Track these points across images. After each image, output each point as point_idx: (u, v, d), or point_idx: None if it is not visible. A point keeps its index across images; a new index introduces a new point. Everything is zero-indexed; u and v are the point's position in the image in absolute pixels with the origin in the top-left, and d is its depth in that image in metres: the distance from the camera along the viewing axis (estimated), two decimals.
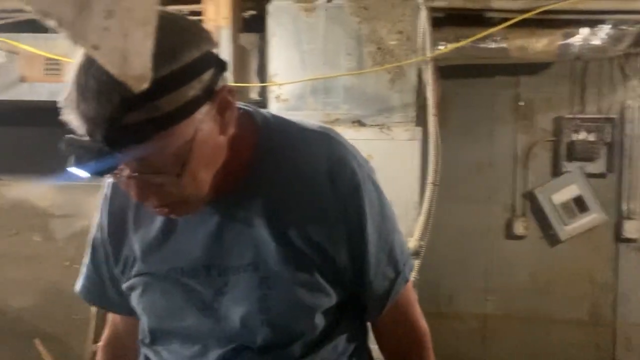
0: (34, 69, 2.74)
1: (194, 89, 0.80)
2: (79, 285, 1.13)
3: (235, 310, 0.95)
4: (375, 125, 2.58)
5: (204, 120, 0.83)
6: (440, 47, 2.73)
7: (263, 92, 2.73)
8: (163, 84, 0.75)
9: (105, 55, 0.39)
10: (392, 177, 2.54)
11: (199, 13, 2.68)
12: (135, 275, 1.02)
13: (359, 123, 2.61)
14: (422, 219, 2.51)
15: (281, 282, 0.94)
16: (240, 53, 2.71)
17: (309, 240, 0.94)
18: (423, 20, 2.49)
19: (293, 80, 2.61)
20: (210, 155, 0.88)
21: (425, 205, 2.51)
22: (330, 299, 0.98)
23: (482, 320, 3.44)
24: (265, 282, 0.94)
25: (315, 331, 0.98)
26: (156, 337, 1.03)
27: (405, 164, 2.54)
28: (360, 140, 2.56)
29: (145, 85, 0.49)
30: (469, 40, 2.65)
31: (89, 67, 0.76)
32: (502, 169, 3.41)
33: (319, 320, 0.98)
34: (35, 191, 3.32)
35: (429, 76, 2.52)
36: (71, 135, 0.79)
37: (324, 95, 2.63)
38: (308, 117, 2.62)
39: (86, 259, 1.11)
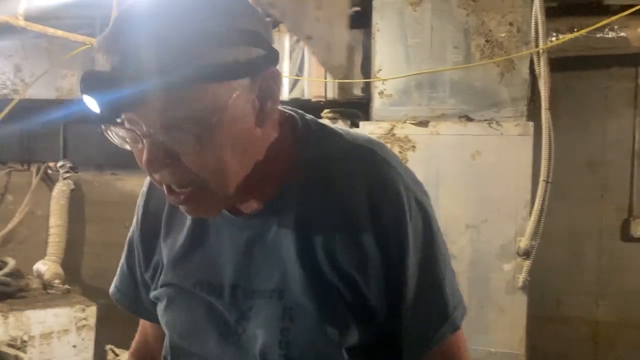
0: None
1: (239, 55, 0.74)
2: (112, 287, 1.07)
3: (256, 342, 0.86)
4: (484, 120, 2.50)
5: (240, 97, 0.75)
6: (552, 39, 2.61)
7: (367, 88, 2.72)
8: (211, 35, 0.72)
9: (316, 45, 0.38)
10: (501, 174, 2.46)
11: None
12: (162, 286, 0.96)
13: (466, 118, 2.54)
14: (533, 217, 2.41)
15: (305, 314, 0.84)
16: (345, 49, 2.71)
17: (340, 270, 0.83)
18: (537, 9, 2.37)
19: (397, 75, 2.58)
20: (241, 142, 0.78)
21: (537, 203, 2.41)
22: (359, 337, 0.86)
23: (593, 326, 3.25)
24: (288, 312, 0.84)
25: None
26: (176, 355, 0.97)
27: (516, 160, 2.44)
28: (467, 135, 2.51)
29: (341, 76, 0.48)
30: (586, 30, 2.50)
31: (128, 13, 0.74)
32: (617, 166, 3.19)
33: (345, 359, 0.86)
34: None
35: (541, 69, 2.41)
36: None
37: (430, 89, 2.58)
38: (413, 112, 2.59)
39: (122, 261, 1.06)
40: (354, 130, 0.93)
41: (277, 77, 0.81)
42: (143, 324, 1.13)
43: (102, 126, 0.78)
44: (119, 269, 1.07)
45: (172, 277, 0.94)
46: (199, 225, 0.93)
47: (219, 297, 0.90)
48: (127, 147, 0.79)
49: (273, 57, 0.80)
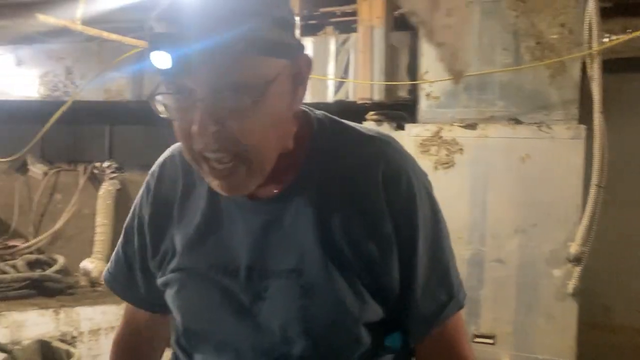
0: None
1: (286, 37, 0.81)
2: (106, 272, 1.09)
3: (275, 318, 0.90)
4: (534, 123, 2.46)
5: (283, 75, 0.81)
6: (604, 40, 2.54)
7: (413, 90, 2.70)
8: (266, 13, 0.77)
9: (446, 51, 0.38)
10: (551, 177, 2.42)
11: (353, 13, 2.72)
12: (173, 271, 0.97)
13: (516, 121, 2.50)
14: (585, 223, 2.35)
15: (325, 290, 0.88)
16: (390, 52, 2.70)
17: (358, 249, 0.88)
18: (591, 10, 2.32)
19: (445, 77, 2.56)
20: (279, 120, 0.84)
21: (589, 208, 2.35)
22: (376, 313, 0.91)
23: None
24: (308, 290, 0.88)
25: (357, 345, 0.91)
26: (190, 339, 0.98)
27: (567, 164, 2.39)
28: (516, 138, 2.48)
29: (459, 81, 0.49)
30: None
31: None
32: None
33: (364, 335, 0.91)
34: None
35: (594, 71, 2.35)
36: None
37: (478, 92, 2.54)
38: (460, 114, 2.56)
39: (118, 248, 1.08)
40: (360, 125, 0.98)
41: (310, 65, 0.87)
42: (132, 313, 1.13)
43: (152, 98, 0.82)
44: (113, 255, 1.08)
45: (186, 262, 0.95)
46: (213, 210, 0.95)
47: (234, 279, 0.92)
48: (174, 117, 0.82)
49: (302, 48, 0.86)
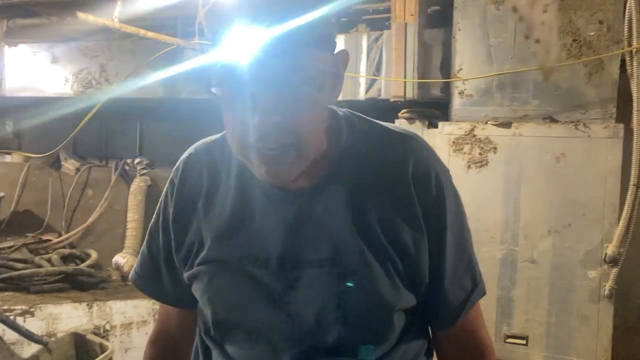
0: None
1: (334, 32, 0.87)
2: (132, 273, 1.11)
3: (309, 307, 0.91)
4: (569, 122, 2.42)
5: (329, 69, 0.85)
6: None
7: (446, 87, 2.68)
8: (322, 10, 0.80)
9: (541, 48, 0.38)
10: (587, 177, 2.38)
11: (385, 10, 2.71)
12: (201, 263, 0.97)
13: (551, 119, 2.46)
14: (622, 224, 2.31)
15: (362, 277, 0.90)
16: (424, 49, 2.69)
17: (392, 237, 0.91)
18: (631, 7, 2.28)
19: (478, 75, 2.54)
20: (324, 111, 0.89)
21: (627, 209, 2.31)
22: (408, 301, 0.94)
23: None
24: (343, 277, 0.90)
25: (391, 332, 0.94)
26: (221, 330, 0.98)
27: (604, 163, 2.35)
28: (552, 137, 2.44)
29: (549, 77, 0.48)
30: None
31: None
32: None
33: (397, 321, 0.94)
34: None
35: (634, 69, 2.31)
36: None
37: (512, 90, 2.52)
38: (494, 112, 2.54)
39: (144, 248, 1.09)
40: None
41: (347, 60, 0.91)
42: (164, 312, 1.15)
43: (215, 82, 0.84)
44: (139, 256, 1.10)
45: (216, 254, 0.96)
46: (242, 202, 0.96)
47: (264, 270, 0.93)
48: (229, 107, 0.84)
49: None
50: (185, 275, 1.01)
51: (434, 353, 1.07)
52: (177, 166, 1.05)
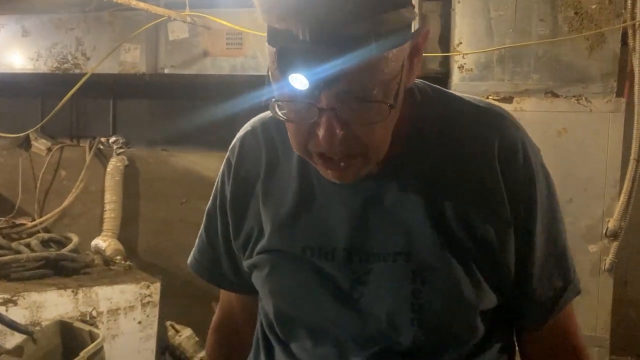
0: (217, 44, 2.82)
1: (409, 14, 0.72)
2: (191, 258, 1.05)
3: (381, 305, 0.83)
4: (571, 97, 2.41)
5: (405, 59, 0.74)
6: None
7: (445, 62, 2.63)
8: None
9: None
10: (588, 152, 2.38)
11: None
12: (261, 252, 0.91)
13: (552, 94, 2.44)
14: (623, 198, 2.33)
15: (439, 275, 0.81)
16: (421, 21, 2.62)
17: (473, 230, 0.82)
18: None
19: (478, 49, 2.49)
20: (397, 113, 0.78)
21: (627, 183, 2.32)
22: (491, 300, 0.85)
23: None
24: (419, 274, 0.82)
25: (472, 335, 0.85)
26: (283, 326, 0.92)
27: (606, 138, 2.35)
28: (553, 112, 2.42)
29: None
30: None
31: None
32: None
33: (479, 323, 0.85)
34: (202, 162, 3.47)
35: (636, 43, 2.30)
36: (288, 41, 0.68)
37: (513, 64, 2.48)
38: (494, 87, 2.50)
39: (201, 231, 1.03)
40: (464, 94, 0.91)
41: (427, 37, 0.80)
42: (225, 297, 1.09)
43: (271, 101, 0.74)
44: (197, 240, 1.04)
45: (277, 243, 0.90)
46: (305, 189, 0.89)
47: (330, 262, 0.86)
48: (292, 120, 0.76)
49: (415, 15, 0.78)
50: (245, 263, 0.95)
51: (518, 357, 0.98)
52: (234, 144, 0.97)
